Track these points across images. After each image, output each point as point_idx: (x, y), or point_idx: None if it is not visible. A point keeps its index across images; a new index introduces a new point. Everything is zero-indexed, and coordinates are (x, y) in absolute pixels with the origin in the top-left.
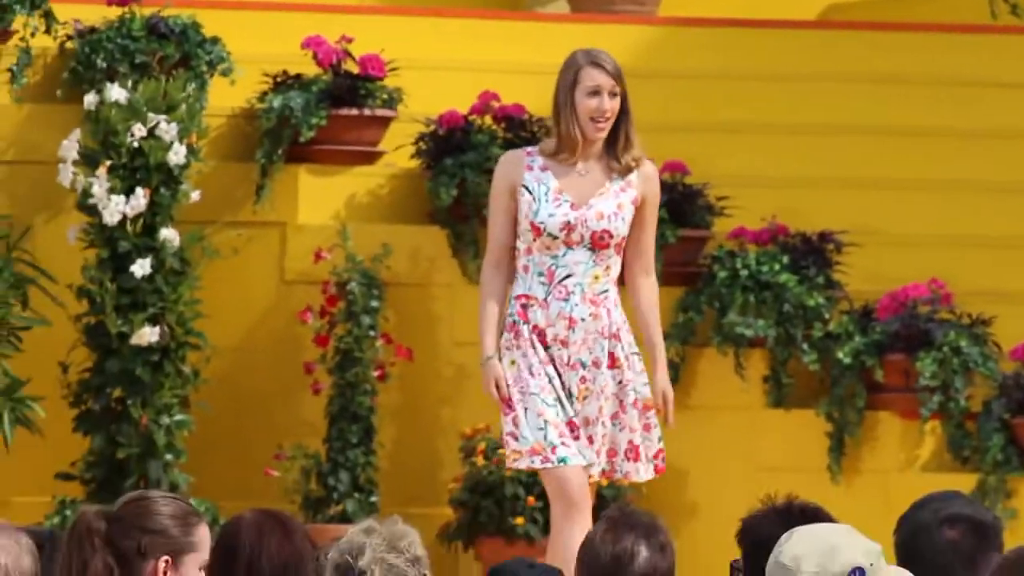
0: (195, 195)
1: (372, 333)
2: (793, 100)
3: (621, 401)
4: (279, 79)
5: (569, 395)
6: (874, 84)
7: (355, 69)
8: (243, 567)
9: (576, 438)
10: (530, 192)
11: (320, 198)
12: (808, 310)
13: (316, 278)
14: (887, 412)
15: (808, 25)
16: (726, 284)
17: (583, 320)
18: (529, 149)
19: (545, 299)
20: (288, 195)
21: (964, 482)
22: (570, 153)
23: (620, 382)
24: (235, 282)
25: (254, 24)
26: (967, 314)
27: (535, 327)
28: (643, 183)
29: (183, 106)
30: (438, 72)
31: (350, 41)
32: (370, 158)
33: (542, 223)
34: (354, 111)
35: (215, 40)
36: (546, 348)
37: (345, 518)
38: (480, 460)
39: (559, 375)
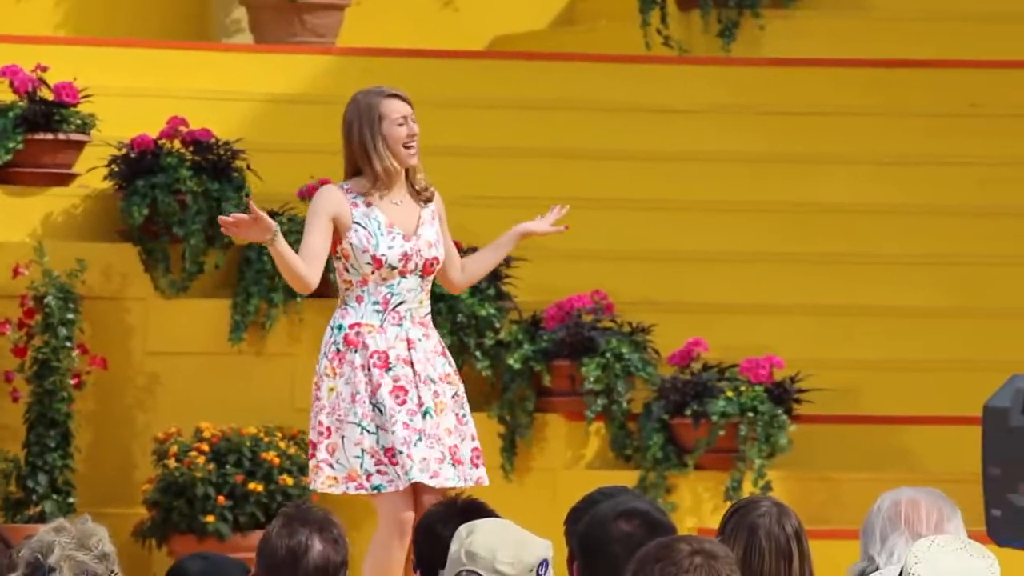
0: None
1: (68, 344)
2: (465, 125)
3: (457, 414)
4: None
5: (424, 410)
6: (542, 110)
7: (50, 96)
8: None
9: (394, 463)
10: (364, 228)
11: (18, 217)
12: (480, 320)
13: (14, 292)
14: (555, 414)
15: (477, 55)
16: None
17: (419, 340)
18: (344, 186)
19: (381, 325)
20: None
21: (627, 478)
22: (387, 188)
23: (455, 395)
24: None
25: None
26: (628, 323)
27: (374, 352)
28: (437, 204)
29: None
30: (129, 99)
31: (45, 70)
32: (65, 180)
33: (383, 255)
34: (49, 135)
35: None
36: (389, 370)
37: (43, 519)
38: (172, 463)
39: (413, 391)
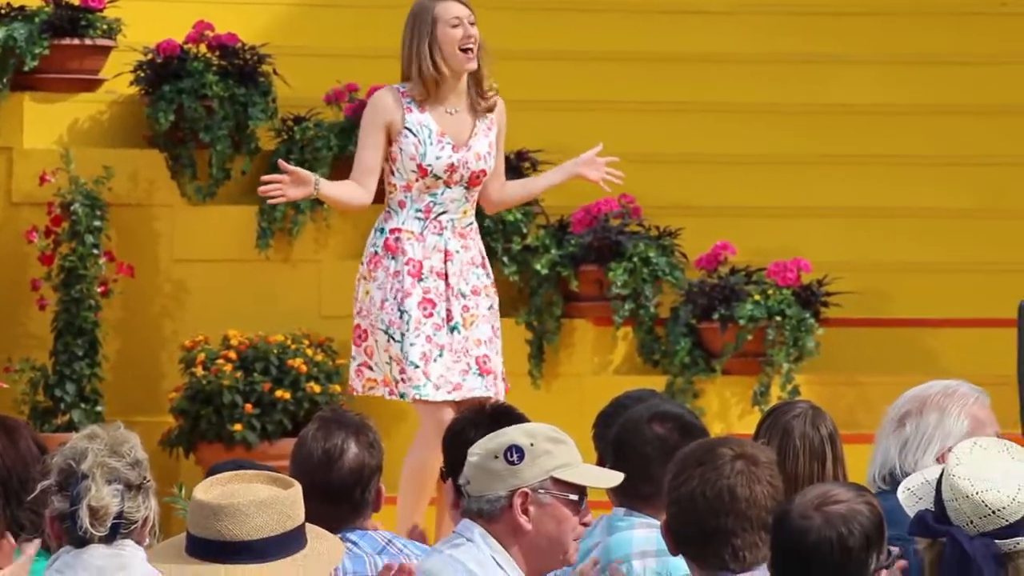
0: None
1: (95, 251)
2: (489, 27)
3: (492, 325)
4: (3, 11)
5: (451, 324)
6: (569, 11)
7: (76, 1)
8: None
9: (404, 376)
10: (414, 135)
11: (44, 124)
12: (507, 225)
13: (41, 200)
14: (582, 320)
15: None
16: None
17: (457, 252)
18: (401, 89)
19: (421, 233)
20: (14, 122)
21: (654, 383)
22: (437, 95)
23: (490, 307)
24: None
25: None
26: (655, 226)
27: (409, 260)
28: (498, 115)
29: None
30: (155, 3)
31: None
32: (91, 86)
33: (429, 165)
34: (75, 41)
35: None
36: (420, 280)
37: (71, 427)
38: (199, 370)
39: (442, 304)
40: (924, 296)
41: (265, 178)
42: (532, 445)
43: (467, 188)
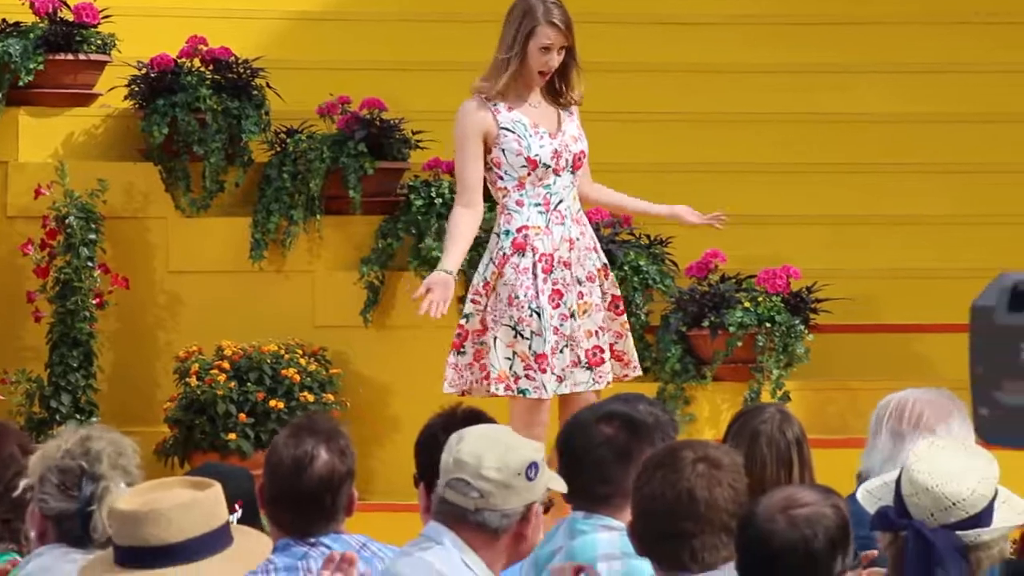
0: None
1: (90, 264)
2: (482, 39)
3: (603, 313)
4: None
5: (572, 314)
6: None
7: (70, 16)
8: None
9: (543, 371)
10: (512, 131)
11: (39, 138)
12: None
13: (36, 213)
14: None
15: None
16: (422, 212)
17: (578, 239)
18: (482, 93)
19: (547, 226)
20: (9, 136)
21: (645, 390)
22: (516, 88)
23: (603, 292)
24: None
25: None
26: (646, 235)
27: (542, 255)
28: (578, 110)
29: None
30: (149, 19)
31: None
32: (86, 100)
33: (537, 155)
34: (70, 56)
35: None
36: (551, 273)
37: None
38: (193, 381)
39: (568, 293)
40: (912, 302)
41: (418, 299)
42: (541, 460)
43: (572, 172)
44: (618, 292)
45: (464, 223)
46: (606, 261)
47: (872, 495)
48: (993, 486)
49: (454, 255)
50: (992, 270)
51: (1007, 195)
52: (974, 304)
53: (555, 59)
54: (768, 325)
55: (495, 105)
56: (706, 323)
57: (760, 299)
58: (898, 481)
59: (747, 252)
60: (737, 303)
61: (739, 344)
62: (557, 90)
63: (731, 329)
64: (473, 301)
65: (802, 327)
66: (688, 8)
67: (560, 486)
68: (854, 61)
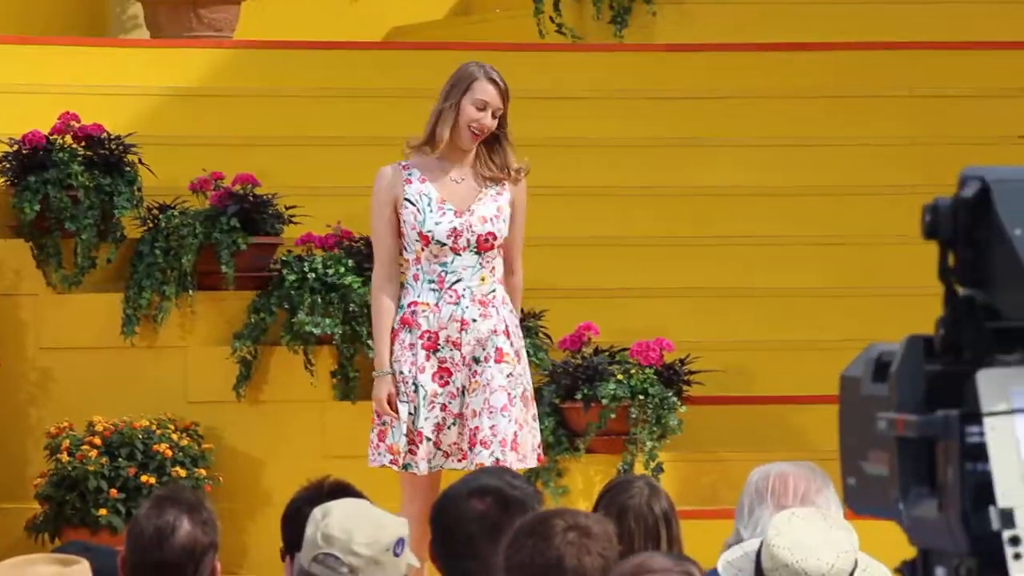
0: None
1: None
2: (354, 115)
3: (509, 394)
4: None
5: (462, 391)
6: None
7: None
8: None
9: (414, 451)
10: (413, 204)
11: None
12: (371, 309)
13: None
14: None
15: (373, 46)
16: (295, 286)
17: (474, 321)
18: (403, 163)
19: (437, 304)
20: None
21: None
22: (446, 159)
23: (509, 375)
24: None
25: None
26: (520, 309)
27: (425, 332)
28: (519, 190)
29: None
30: (21, 95)
31: None
32: None
33: (430, 231)
34: None
35: None
36: (436, 351)
37: None
38: (64, 457)
39: (458, 373)
40: (785, 373)
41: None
42: (407, 536)
43: (478, 253)
44: (529, 381)
45: (388, 311)
46: (523, 345)
47: (732, 566)
48: (852, 559)
49: (386, 350)
50: (862, 340)
51: (875, 266)
52: (843, 375)
53: (488, 120)
54: (641, 397)
55: (409, 174)
56: (579, 395)
57: (633, 371)
58: (758, 554)
59: (620, 325)
60: (610, 375)
61: (612, 416)
62: (482, 163)
63: (604, 401)
64: None
65: (675, 399)
66: (552, 84)
67: (415, 562)
68: (718, 135)
